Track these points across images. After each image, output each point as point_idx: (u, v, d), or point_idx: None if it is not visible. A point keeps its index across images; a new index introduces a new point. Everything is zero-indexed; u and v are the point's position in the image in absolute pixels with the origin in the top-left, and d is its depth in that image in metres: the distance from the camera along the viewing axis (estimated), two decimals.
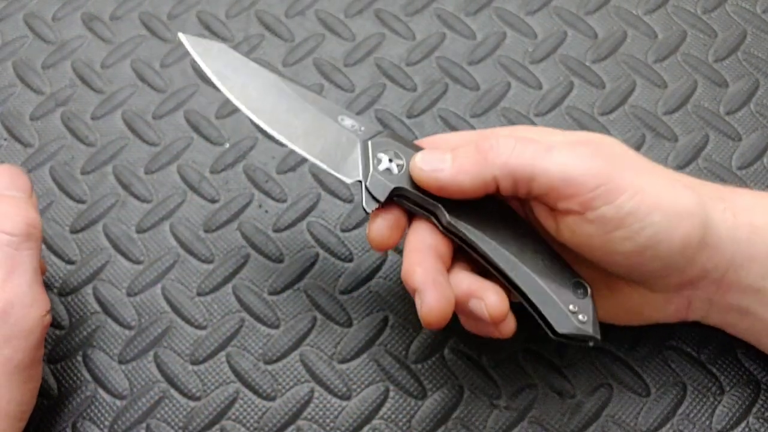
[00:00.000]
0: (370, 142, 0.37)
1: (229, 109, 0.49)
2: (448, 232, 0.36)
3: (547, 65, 0.50)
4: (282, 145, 0.39)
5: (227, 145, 0.48)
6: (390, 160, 0.37)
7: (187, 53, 0.51)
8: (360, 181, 0.37)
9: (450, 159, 0.35)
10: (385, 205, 0.36)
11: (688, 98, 0.49)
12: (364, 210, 0.36)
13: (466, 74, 0.50)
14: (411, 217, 0.37)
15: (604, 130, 0.48)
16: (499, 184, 0.34)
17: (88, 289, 0.44)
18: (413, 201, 0.36)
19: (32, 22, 0.53)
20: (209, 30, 0.52)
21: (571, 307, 0.34)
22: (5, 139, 0.49)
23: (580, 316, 0.34)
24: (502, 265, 0.35)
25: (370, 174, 0.36)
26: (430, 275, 0.34)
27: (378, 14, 0.52)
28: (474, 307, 0.34)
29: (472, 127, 0.48)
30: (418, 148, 0.37)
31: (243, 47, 0.51)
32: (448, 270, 0.36)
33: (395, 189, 0.36)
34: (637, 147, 0.47)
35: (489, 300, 0.34)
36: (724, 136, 0.47)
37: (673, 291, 0.36)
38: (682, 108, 0.48)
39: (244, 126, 0.48)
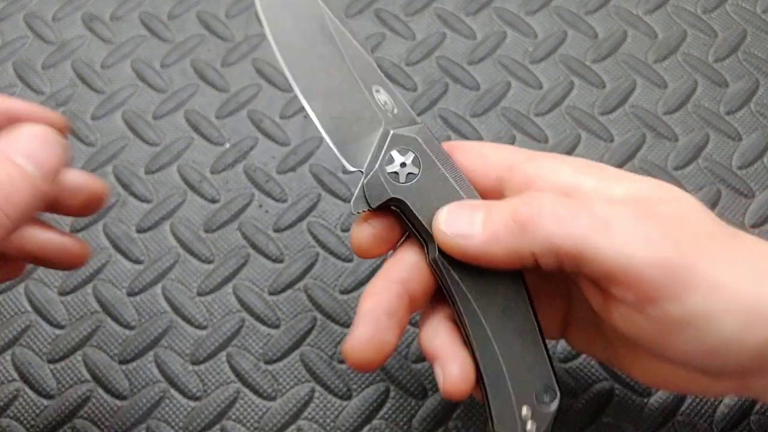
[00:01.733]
0: (392, 132, 0.31)
1: (229, 109, 0.49)
2: (432, 268, 0.31)
3: (547, 65, 0.50)
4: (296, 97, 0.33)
5: (227, 145, 0.48)
6: (403, 164, 0.31)
7: (189, 52, 0.51)
8: (361, 172, 0.31)
9: (481, 222, 0.29)
10: (378, 210, 0.31)
11: (689, 98, 0.49)
12: (351, 209, 0.31)
13: (466, 74, 0.50)
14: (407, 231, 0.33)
15: (604, 129, 0.48)
16: (539, 260, 0.28)
17: (88, 289, 0.44)
18: (409, 219, 0.31)
19: (32, 22, 0.53)
20: (209, 30, 0.52)
21: (524, 410, 0.30)
22: None
23: (529, 424, 0.29)
24: (472, 333, 0.30)
25: (373, 171, 0.31)
26: (377, 312, 0.30)
27: (378, 14, 0.52)
28: (435, 370, 0.31)
29: (472, 127, 0.48)
30: (446, 161, 0.31)
31: (243, 47, 0.51)
32: (430, 312, 0.32)
33: (393, 200, 0.31)
34: (638, 147, 0.47)
35: (448, 373, 0.30)
36: (725, 135, 0.47)
37: (729, 378, 0.30)
38: (682, 108, 0.48)
39: (244, 126, 0.48)
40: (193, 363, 0.42)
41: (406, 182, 0.31)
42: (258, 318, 0.43)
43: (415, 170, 0.31)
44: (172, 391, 0.41)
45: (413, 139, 0.31)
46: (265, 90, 0.49)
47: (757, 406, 0.39)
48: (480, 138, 0.48)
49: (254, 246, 0.45)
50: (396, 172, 0.31)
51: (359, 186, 0.31)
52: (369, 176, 0.31)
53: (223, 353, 0.42)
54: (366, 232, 0.32)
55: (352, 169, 0.31)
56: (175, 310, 0.43)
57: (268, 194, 0.46)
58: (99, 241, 0.45)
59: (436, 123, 0.48)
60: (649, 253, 0.27)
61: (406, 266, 0.31)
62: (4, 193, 0.27)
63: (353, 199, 0.31)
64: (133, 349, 0.42)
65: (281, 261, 0.44)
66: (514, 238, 0.28)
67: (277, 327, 0.42)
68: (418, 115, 0.48)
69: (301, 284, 0.44)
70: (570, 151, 0.47)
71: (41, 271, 0.44)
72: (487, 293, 0.30)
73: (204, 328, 0.42)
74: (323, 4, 0.33)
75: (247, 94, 0.49)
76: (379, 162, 0.31)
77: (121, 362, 0.42)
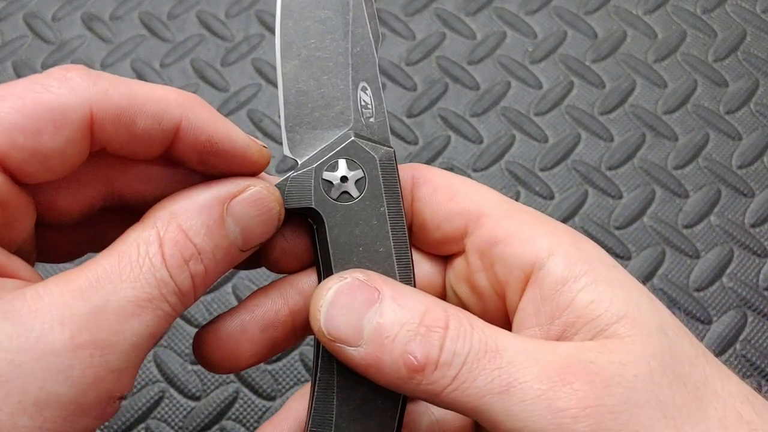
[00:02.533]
0: (353, 139, 0.27)
1: (228, 109, 0.49)
2: None
3: (547, 65, 0.50)
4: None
5: None
6: (344, 179, 0.26)
7: (189, 51, 0.51)
8: (297, 163, 0.27)
9: (370, 333, 0.24)
10: (292, 213, 0.27)
11: (688, 98, 0.49)
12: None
13: (466, 74, 0.50)
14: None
15: (604, 129, 0.48)
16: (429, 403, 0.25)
17: None
18: (319, 242, 0.27)
19: (32, 22, 0.53)
20: (209, 30, 0.52)
21: None
22: None
23: None
24: (315, 404, 0.26)
25: (308, 168, 0.26)
26: (253, 317, 0.27)
27: (378, 14, 0.52)
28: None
29: (472, 127, 0.48)
30: (395, 201, 0.26)
31: (243, 47, 0.51)
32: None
33: (311, 211, 0.26)
34: (637, 146, 0.47)
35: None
36: (724, 135, 0.47)
37: None
38: (682, 107, 0.48)
39: (244, 125, 0.48)
40: (193, 363, 0.41)
41: (336, 199, 0.26)
42: None
43: (354, 193, 0.26)
44: (172, 390, 0.41)
45: (372, 158, 0.26)
46: (264, 89, 0.49)
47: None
48: (479, 138, 0.48)
49: None
50: (331, 183, 0.26)
51: (285, 177, 0.27)
52: (300, 172, 0.26)
53: None
54: (275, 242, 0.27)
55: (288, 154, 0.27)
56: None
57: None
58: None
59: (436, 123, 0.48)
60: None
61: (302, 291, 0.28)
62: (209, 262, 0.24)
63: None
64: None
65: None
66: (401, 381, 0.23)
67: None
68: (418, 114, 0.48)
69: None
70: (570, 151, 0.47)
71: (42, 274, 0.44)
72: (355, 382, 0.26)
73: None
74: None
75: (247, 93, 0.49)
76: (320, 162, 0.26)
77: None
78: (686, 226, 0.45)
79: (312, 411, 0.26)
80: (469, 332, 0.23)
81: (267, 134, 0.48)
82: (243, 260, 0.26)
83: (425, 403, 0.30)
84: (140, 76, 0.50)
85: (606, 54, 0.50)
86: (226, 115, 0.49)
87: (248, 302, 0.27)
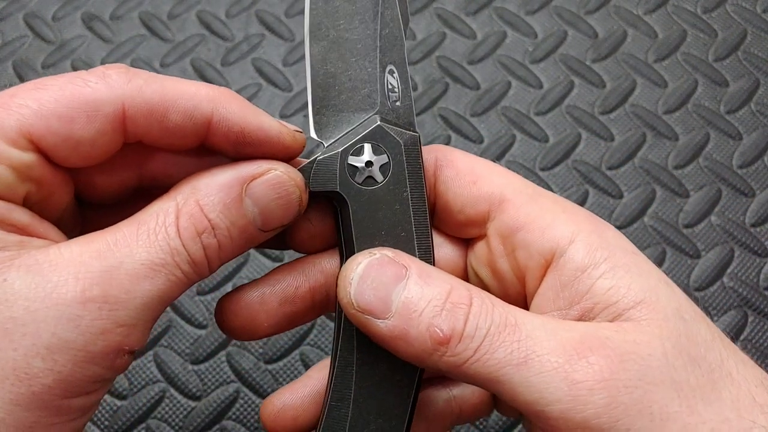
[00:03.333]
0: (378, 123, 0.27)
1: None
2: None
3: (547, 64, 0.50)
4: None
5: None
6: (369, 164, 0.26)
7: (189, 51, 0.51)
8: (323, 145, 0.27)
9: (398, 308, 0.24)
10: (316, 195, 0.27)
11: (689, 97, 0.49)
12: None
13: (466, 73, 0.50)
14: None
15: (605, 129, 0.48)
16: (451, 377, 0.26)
17: None
18: (343, 224, 0.27)
19: (32, 21, 0.53)
20: (209, 30, 0.52)
21: None
22: None
23: None
24: (335, 381, 0.27)
25: (334, 152, 0.26)
26: (273, 288, 0.28)
27: None
28: None
29: (473, 127, 0.48)
30: (418, 185, 0.27)
31: (243, 47, 0.51)
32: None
33: (335, 194, 0.27)
34: (638, 146, 0.47)
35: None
36: (725, 135, 0.47)
37: None
38: (682, 107, 0.48)
39: None
40: (193, 362, 0.41)
41: (361, 184, 0.26)
42: None
43: (379, 178, 0.26)
44: (172, 390, 0.41)
45: (397, 143, 0.27)
46: (264, 89, 0.49)
47: None
48: (480, 137, 0.48)
49: None
50: (356, 168, 0.26)
51: (311, 159, 0.27)
52: (326, 155, 0.27)
53: (223, 353, 0.42)
54: (301, 226, 0.28)
55: (314, 136, 0.27)
56: (175, 309, 0.43)
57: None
58: None
59: (436, 122, 0.48)
60: (567, 408, 0.23)
61: (324, 270, 0.29)
62: (224, 238, 0.25)
63: (298, 168, 0.27)
64: None
65: (281, 260, 0.44)
66: (425, 354, 0.24)
67: None
68: (419, 114, 0.48)
69: None
70: (570, 151, 0.47)
71: None
72: (374, 359, 0.26)
73: (204, 327, 0.42)
74: None
75: (247, 93, 0.49)
76: (345, 147, 0.26)
77: None
78: (687, 226, 0.45)
79: (331, 386, 0.27)
80: (491, 309, 0.24)
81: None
82: (269, 240, 0.27)
83: (443, 380, 0.31)
84: None
85: (606, 54, 0.50)
86: None
87: (270, 276, 0.29)
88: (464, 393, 0.31)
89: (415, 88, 0.49)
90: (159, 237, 0.24)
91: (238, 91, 0.49)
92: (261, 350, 0.42)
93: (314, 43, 0.27)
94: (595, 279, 0.25)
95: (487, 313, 0.24)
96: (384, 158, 0.27)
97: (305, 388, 0.30)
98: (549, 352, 0.23)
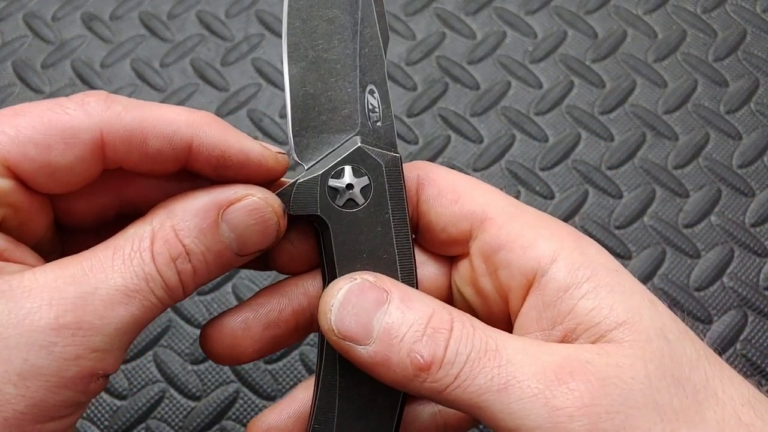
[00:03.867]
0: (359, 145, 0.26)
1: (228, 108, 0.49)
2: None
3: (547, 64, 0.50)
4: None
5: None
6: (349, 186, 0.26)
7: (189, 51, 0.51)
8: (303, 167, 0.27)
9: (379, 332, 0.24)
10: (296, 217, 0.27)
11: (689, 97, 0.49)
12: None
13: (466, 73, 0.50)
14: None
15: (604, 128, 0.48)
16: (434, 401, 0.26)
17: None
18: (324, 247, 0.27)
19: (32, 21, 0.53)
20: (209, 30, 0.52)
21: None
22: None
23: None
24: (318, 403, 0.27)
25: (314, 175, 0.26)
26: (257, 315, 0.28)
27: None
28: None
29: (472, 126, 0.48)
30: (400, 207, 0.26)
31: (243, 47, 0.51)
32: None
33: (316, 218, 0.26)
34: (638, 146, 0.47)
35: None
36: (725, 134, 0.47)
37: None
38: (682, 107, 0.48)
39: (244, 125, 0.48)
40: (193, 363, 0.41)
41: (342, 207, 0.26)
42: None
43: (360, 200, 0.26)
44: (172, 390, 0.41)
45: (378, 164, 0.26)
46: (264, 89, 0.49)
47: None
48: (480, 137, 0.48)
49: None
50: (337, 191, 0.26)
51: (291, 182, 0.27)
52: (307, 178, 0.26)
53: None
54: (283, 248, 0.28)
55: (295, 158, 0.27)
56: (174, 309, 0.43)
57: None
58: None
59: (436, 122, 0.48)
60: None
61: (307, 292, 0.28)
62: (198, 263, 0.25)
63: (276, 192, 0.26)
64: (132, 348, 0.42)
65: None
66: (407, 379, 0.24)
67: None
68: (418, 114, 0.48)
69: None
70: (570, 150, 0.47)
71: None
72: (357, 382, 0.26)
73: None
74: None
75: (247, 93, 0.49)
76: (326, 169, 0.26)
77: None
78: (686, 226, 0.45)
79: (315, 409, 0.27)
80: (471, 333, 0.24)
81: (267, 134, 0.48)
82: (251, 262, 0.27)
83: None
84: (140, 76, 0.50)
85: (606, 54, 0.50)
86: (226, 115, 0.49)
87: (252, 301, 0.28)
88: (448, 408, 0.30)
89: (414, 88, 0.49)
90: (134, 262, 0.24)
91: (238, 91, 0.49)
92: None
93: (293, 64, 0.27)
94: (578, 299, 0.25)
95: (467, 337, 0.24)
96: (365, 180, 0.26)
97: (290, 408, 0.29)
98: (529, 378, 0.23)
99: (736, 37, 0.51)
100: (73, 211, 0.27)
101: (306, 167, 0.27)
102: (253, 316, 0.28)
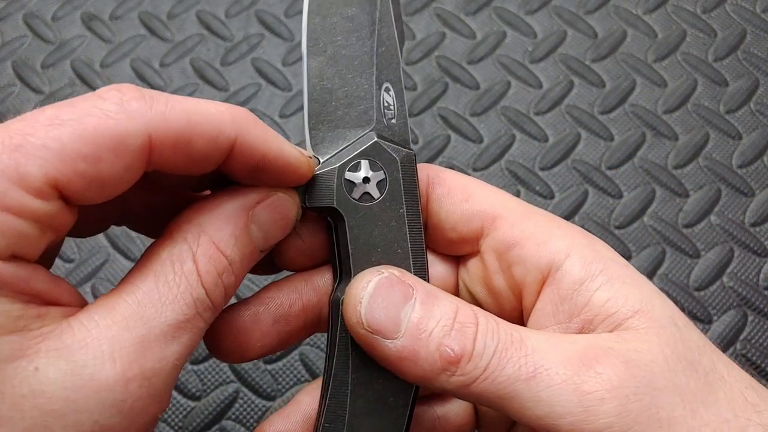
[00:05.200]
0: (375, 140, 0.27)
1: None
2: (329, 309, 0.27)
3: (547, 64, 0.50)
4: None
5: None
6: (366, 179, 0.26)
7: (189, 51, 0.51)
8: (318, 161, 0.27)
9: (408, 327, 0.24)
10: (312, 210, 0.27)
11: (688, 97, 0.49)
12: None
13: (465, 73, 0.50)
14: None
15: (604, 128, 0.48)
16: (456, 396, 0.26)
17: (87, 288, 0.44)
18: (337, 240, 0.27)
19: (32, 21, 0.53)
20: (209, 29, 0.52)
21: None
22: None
23: None
24: (328, 401, 0.26)
25: (330, 168, 0.26)
26: (267, 307, 0.27)
27: None
28: None
29: (472, 126, 0.48)
30: (413, 203, 0.27)
31: (243, 47, 0.51)
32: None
33: (332, 210, 0.27)
34: (638, 146, 0.47)
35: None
36: (725, 134, 0.47)
37: None
38: (682, 107, 0.48)
39: None
40: (193, 363, 0.41)
41: (358, 200, 0.26)
42: None
43: (375, 194, 0.26)
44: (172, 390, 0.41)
45: (393, 159, 0.27)
46: (264, 89, 0.49)
47: None
48: (479, 137, 0.48)
49: None
50: (353, 183, 0.26)
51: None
52: (323, 171, 0.26)
53: None
54: (290, 242, 0.28)
55: (310, 153, 0.27)
56: None
57: None
58: (98, 240, 0.45)
59: (436, 122, 0.48)
60: (579, 420, 0.22)
61: (316, 287, 0.28)
62: (239, 271, 0.24)
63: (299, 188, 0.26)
64: None
65: None
66: (433, 374, 0.24)
67: None
68: (418, 114, 0.48)
69: None
70: (570, 150, 0.47)
71: None
72: (369, 379, 0.26)
73: None
74: None
75: (247, 93, 0.49)
76: (343, 162, 0.26)
77: None
78: (686, 226, 0.45)
79: (325, 407, 0.26)
80: (496, 327, 0.25)
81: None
82: (259, 267, 0.27)
83: (428, 401, 0.30)
84: (140, 76, 0.50)
85: (606, 53, 0.50)
86: None
87: (262, 294, 0.28)
88: (448, 414, 0.30)
89: (414, 88, 0.49)
90: (181, 289, 0.23)
91: (238, 91, 0.49)
92: None
93: (311, 58, 0.27)
94: (593, 291, 0.25)
95: (493, 331, 0.24)
96: (381, 174, 0.26)
97: (297, 414, 0.29)
98: (556, 365, 0.23)
99: (736, 37, 0.51)
100: (93, 211, 0.25)
101: (322, 161, 0.27)
102: (263, 309, 0.27)
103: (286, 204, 0.25)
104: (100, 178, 0.22)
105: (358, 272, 0.26)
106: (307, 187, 0.26)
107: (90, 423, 0.21)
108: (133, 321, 0.22)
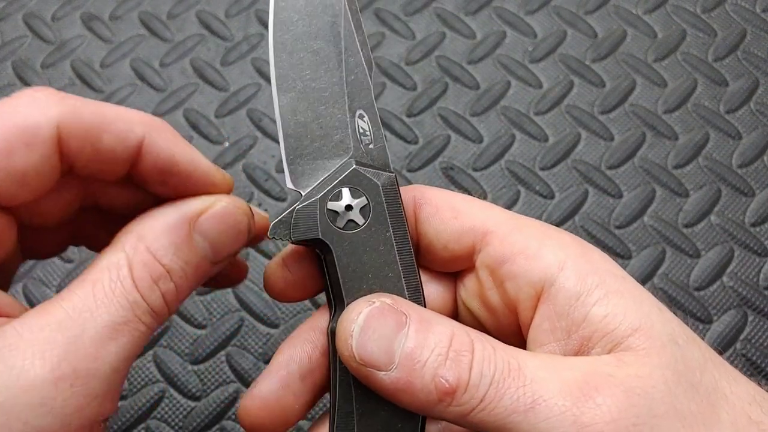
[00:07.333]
0: (354, 167, 0.27)
1: (228, 108, 0.49)
2: (328, 339, 0.27)
3: (546, 64, 0.50)
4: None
5: (227, 144, 0.48)
6: (348, 207, 0.26)
7: (189, 51, 0.51)
8: (300, 194, 0.27)
9: (401, 357, 0.24)
10: (299, 244, 0.27)
11: (688, 97, 0.49)
12: (269, 232, 0.26)
13: (465, 73, 0.50)
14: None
15: (604, 128, 0.48)
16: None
17: None
18: (328, 271, 0.27)
19: (32, 21, 0.52)
20: (209, 29, 0.52)
21: None
22: None
23: None
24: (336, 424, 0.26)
25: (312, 199, 0.26)
26: (290, 367, 0.27)
27: (378, 14, 0.52)
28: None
29: (472, 126, 0.48)
30: (400, 225, 0.27)
31: (243, 47, 0.51)
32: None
33: (318, 242, 0.26)
34: (638, 145, 0.47)
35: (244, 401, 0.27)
36: (725, 134, 0.47)
37: None
38: (682, 107, 0.48)
39: (244, 125, 0.48)
40: (193, 363, 0.41)
41: (343, 228, 0.26)
42: (257, 317, 0.42)
43: (360, 221, 0.26)
44: (172, 390, 0.41)
45: (374, 185, 0.26)
46: (264, 89, 0.49)
47: None
48: (479, 137, 0.48)
49: (254, 245, 0.44)
50: (336, 213, 0.26)
51: (290, 209, 0.26)
52: (305, 203, 0.26)
53: (223, 353, 0.42)
54: (279, 275, 0.28)
55: (291, 186, 0.27)
56: None
57: (268, 193, 0.46)
58: None
59: (436, 122, 0.48)
60: None
61: (322, 329, 0.27)
62: (180, 279, 0.25)
63: (275, 221, 0.26)
64: None
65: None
66: (430, 404, 0.24)
67: (276, 326, 0.42)
68: (418, 114, 0.48)
69: None
70: (570, 150, 0.47)
71: (40, 271, 0.44)
72: (375, 408, 0.26)
73: (203, 327, 0.42)
74: (346, 3, 0.29)
75: (247, 93, 0.49)
76: (323, 193, 0.26)
77: None
78: (686, 226, 0.45)
79: None
80: (493, 354, 0.24)
81: (266, 134, 0.48)
82: (219, 280, 0.27)
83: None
84: (140, 76, 0.50)
85: (606, 53, 0.50)
86: (226, 115, 0.49)
87: (279, 358, 0.28)
88: (452, 427, 0.30)
89: (414, 88, 0.49)
90: (116, 293, 0.23)
91: (238, 91, 0.49)
92: (260, 350, 0.42)
93: (282, 95, 0.27)
94: (590, 306, 0.25)
95: (490, 358, 0.24)
96: (363, 201, 0.26)
97: (278, 375, 0.28)
98: (555, 395, 0.23)
99: (736, 37, 0.51)
100: (35, 214, 0.26)
101: (303, 194, 0.27)
102: (286, 373, 0.27)
103: (233, 214, 0.25)
104: (16, 170, 0.23)
105: (350, 301, 0.26)
106: (290, 222, 0.26)
107: (20, 424, 0.21)
108: (66, 323, 0.22)
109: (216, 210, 0.25)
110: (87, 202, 0.27)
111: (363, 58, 0.28)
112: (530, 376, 0.23)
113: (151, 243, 0.24)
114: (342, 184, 0.26)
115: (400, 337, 0.24)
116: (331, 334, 0.26)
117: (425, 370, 0.23)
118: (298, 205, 0.26)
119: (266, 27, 0.52)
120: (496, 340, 0.25)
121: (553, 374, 0.23)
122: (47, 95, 0.24)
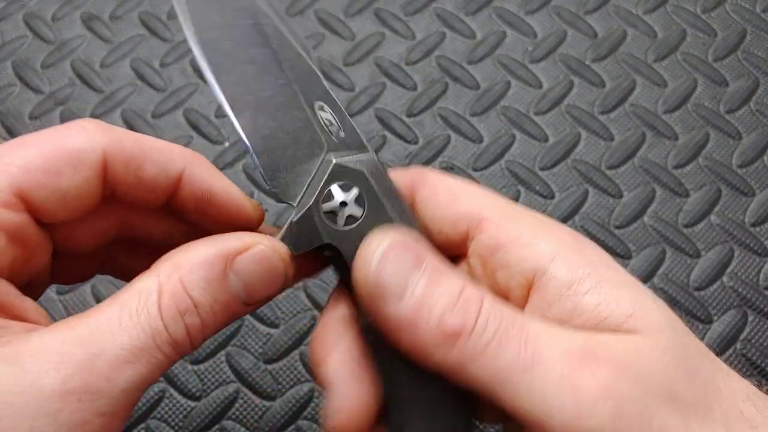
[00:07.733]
0: (334, 162, 0.26)
1: None
2: (362, 335, 0.26)
3: (547, 64, 0.50)
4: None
5: (227, 144, 0.48)
6: (343, 203, 0.25)
7: (189, 51, 0.51)
8: (292, 206, 0.26)
9: (419, 293, 0.24)
10: (307, 253, 0.26)
11: (688, 97, 0.49)
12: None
13: (465, 73, 0.50)
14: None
15: (604, 128, 0.48)
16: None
17: (87, 288, 0.44)
18: (341, 271, 0.27)
19: (32, 21, 0.53)
20: None
21: None
22: (4, 138, 0.48)
23: None
24: (392, 406, 0.26)
25: (306, 208, 0.25)
26: (349, 366, 0.26)
27: (378, 13, 0.52)
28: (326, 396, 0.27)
29: (472, 126, 0.48)
30: (396, 202, 0.26)
31: None
32: (331, 307, 0.28)
33: (326, 246, 0.26)
34: (638, 146, 0.47)
35: (337, 408, 0.26)
36: (725, 134, 0.47)
37: None
38: (682, 107, 0.48)
39: None
40: (193, 362, 0.41)
41: (344, 226, 0.25)
42: (257, 317, 0.43)
43: (358, 212, 0.25)
44: (172, 390, 0.41)
45: (359, 172, 0.25)
46: None
47: None
48: (479, 137, 0.48)
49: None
50: (334, 212, 0.25)
51: (287, 224, 0.25)
52: (300, 214, 0.25)
53: (223, 353, 0.42)
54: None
55: (279, 200, 0.26)
56: None
57: (268, 193, 0.46)
58: None
59: (436, 122, 0.48)
60: (570, 418, 0.22)
61: (347, 310, 0.27)
62: (206, 315, 0.24)
63: (280, 235, 0.25)
64: None
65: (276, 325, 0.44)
66: (431, 346, 0.24)
67: (276, 326, 0.42)
68: (418, 114, 0.48)
69: (300, 283, 0.43)
70: (570, 150, 0.47)
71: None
72: (420, 389, 0.26)
73: None
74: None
75: None
76: (314, 198, 0.25)
77: None
78: (686, 225, 0.45)
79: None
80: (500, 309, 0.24)
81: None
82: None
83: None
84: (140, 76, 0.50)
85: (606, 53, 0.50)
86: (226, 115, 0.49)
87: (332, 354, 0.27)
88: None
89: (414, 88, 0.49)
90: (141, 318, 0.23)
91: None
92: (261, 350, 0.42)
93: (239, 116, 0.26)
94: (582, 295, 0.25)
95: (497, 313, 0.24)
96: (354, 192, 0.26)
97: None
98: (554, 359, 0.23)
99: (736, 37, 0.51)
100: (72, 237, 0.27)
101: (294, 205, 0.26)
102: (349, 374, 0.26)
103: (270, 257, 0.25)
104: (61, 189, 0.25)
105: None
106: (291, 236, 0.26)
107: (25, 428, 0.22)
108: (87, 340, 0.23)
109: (254, 252, 0.25)
110: (123, 231, 0.29)
111: (299, 47, 0.28)
112: (534, 332, 0.23)
113: (185, 274, 0.24)
114: (329, 182, 0.26)
115: (415, 274, 0.24)
116: (366, 329, 0.26)
117: (433, 310, 0.24)
118: (292, 217, 0.25)
119: None
120: (505, 301, 0.25)
121: (555, 338, 0.23)
122: (96, 125, 0.26)
